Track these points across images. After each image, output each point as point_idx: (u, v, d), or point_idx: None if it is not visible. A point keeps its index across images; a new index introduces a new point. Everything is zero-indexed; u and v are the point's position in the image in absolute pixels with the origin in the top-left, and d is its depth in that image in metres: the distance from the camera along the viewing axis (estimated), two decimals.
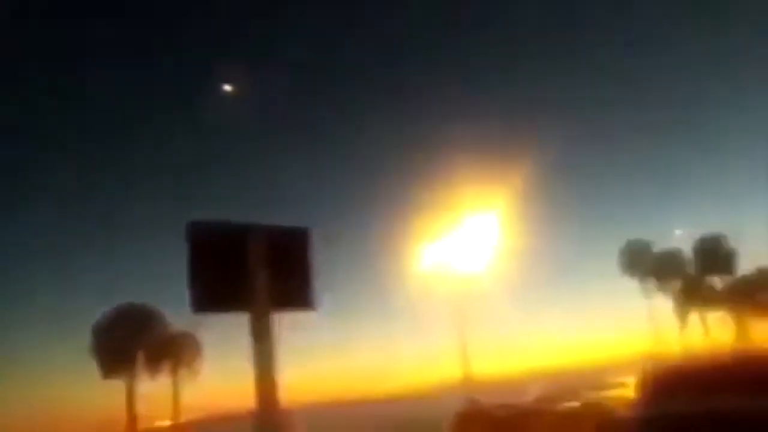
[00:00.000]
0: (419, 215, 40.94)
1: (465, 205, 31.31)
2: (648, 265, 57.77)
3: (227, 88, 43.00)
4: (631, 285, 59.32)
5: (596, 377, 31.95)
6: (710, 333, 57.73)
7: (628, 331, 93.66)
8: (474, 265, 31.97)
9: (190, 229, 3.13)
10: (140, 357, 47.10)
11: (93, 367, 45.85)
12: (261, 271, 3.00)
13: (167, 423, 48.47)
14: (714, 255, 56.55)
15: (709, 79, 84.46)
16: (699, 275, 57.57)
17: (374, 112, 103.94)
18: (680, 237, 58.26)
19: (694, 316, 58.26)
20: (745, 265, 57.28)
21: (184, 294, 3.12)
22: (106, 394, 51.22)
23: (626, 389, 23.23)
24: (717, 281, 57.80)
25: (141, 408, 46.27)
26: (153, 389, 48.02)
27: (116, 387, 46.05)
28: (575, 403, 24.98)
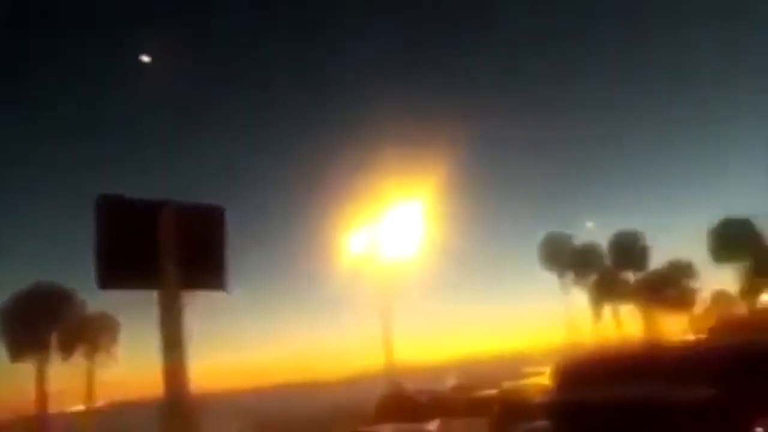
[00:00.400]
0: (347, 202, 40.94)
1: (391, 194, 31.53)
2: (566, 258, 59.75)
3: (145, 58, 41.39)
4: (549, 277, 61.38)
5: (514, 366, 33.06)
6: (622, 326, 60.45)
7: (546, 322, 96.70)
8: (399, 254, 32.30)
9: (100, 202, 2.97)
10: (54, 339, 45.24)
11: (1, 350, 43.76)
12: (171, 249, 2.90)
13: (80, 407, 46.86)
14: (628, 250, 59.02)
15: (627, 73, 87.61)
16: (614, 269, 60.01)
17: (306, 96, 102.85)
18: (591, 229, 60.28)
19: (608, 309, 60.86)
20: (658, 260, 60.25)
21: None
22: (16, 378, 48.91)
23: (542, 378, 24.24)
24: (630, 276, 60.41)
25: (53, 392, 44.55)
26: (68, 373, 46.27)
27: (29, 371, 44.16)
28: (492, 391, 25.83)
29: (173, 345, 2.82)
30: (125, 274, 2.92)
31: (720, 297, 61.83)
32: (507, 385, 27.72)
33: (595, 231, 59.98)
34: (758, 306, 54.97)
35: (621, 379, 11.09)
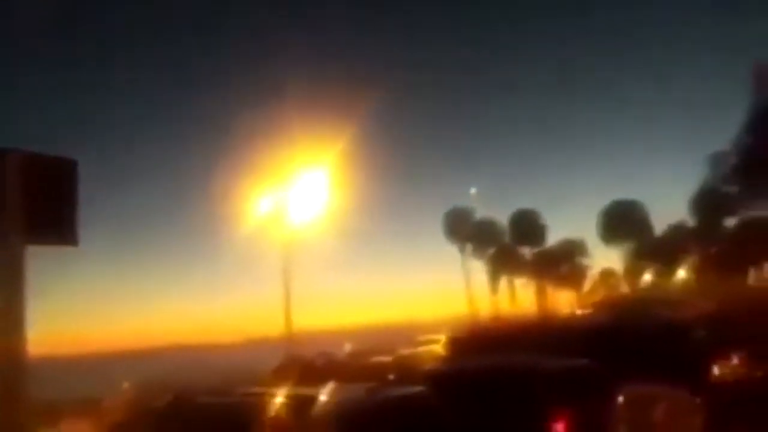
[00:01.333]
0: (253, 167, 40.23)
1: (298, 160, 31.23)
2: (467, 231, 61.40)
3: None
4: (450, 249, 62.94)
5: (412, 334, 33.84)
6: (517, 298, 63.16)
7: (445, 293, 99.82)
8: (303, 221, 32.12)
9: None
10: None
11: None
12: (15, 199, 2.74)
13: None
14: (527, 227, 61.37)
15: (534, 52, 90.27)
16: (511, 244, 62.31)
17: (214, 57, 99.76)
18: (475, 196, 61.85)
19: (504, 282, 63.29)
20: (554, 238, 63.10)
21: None
22: None
23: (437, 346, 25.03)
24: (527, 251, 62.94)
25: None
26: None
27: None
28: (387, 357, 26.42)
29: (13, 304, 2.69)
30: None
31: (607, 276, 65.75)
32: (402, 352, 28.39)
33: (478, 197, 61.42)
34: (640, 285, 58.81)
35: (505, 349, 11.65)
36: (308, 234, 35.84)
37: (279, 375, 25.12)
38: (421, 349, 28.15)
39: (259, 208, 31.97)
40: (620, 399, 8.13)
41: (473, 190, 61.43)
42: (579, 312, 44.39)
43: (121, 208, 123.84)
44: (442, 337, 25.62)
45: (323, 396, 5.93)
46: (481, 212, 62.15)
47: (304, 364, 26.64)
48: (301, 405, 5.63)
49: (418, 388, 6.33)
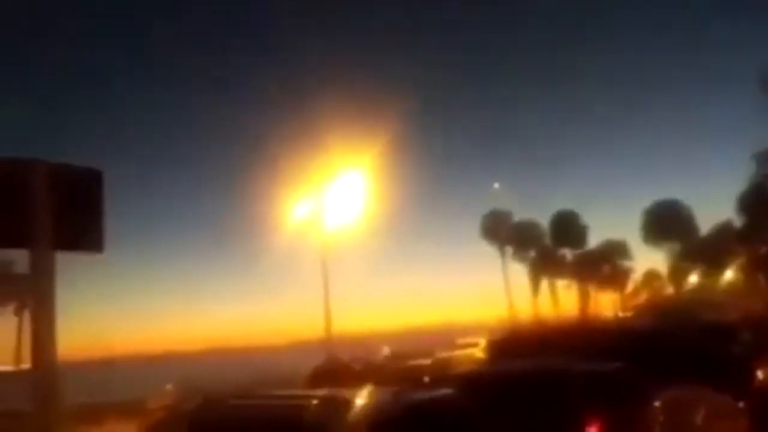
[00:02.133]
0: (291, 171, 40.66)
1: (335, 163, 31.50)
2: (507, 233, 60.94)
3: None
4: (490, 251, 62.50)
5: (451, 337, 33.72)
6: (558, 300, 62.40)
7: (485, 295, 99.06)
8: (340, 223, 32.38)
9: None
10: None
11: None
12: (43, 208, 2.86)
13: (8, 367, 45.61)
14: (567, 228, 60.59)
15: (570, 54, 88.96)
16: (553, 246, 61.60)
17: (251, 63, 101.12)
18: (497, 191, 61.39)
19: (545, 284, 62.58)
20: (595, 239, 62.13)
21: None
22: None
23: (477, 350, 24.86)
24: (568, 253, 62.14)
25: None
26: None
27: None
28: (426, 360, 26.34)
29: (44, 311, 2.80)
30: None
31: (650, 277, 64.48)
32: (441, 354, 28.29)
33: (500, 192, 61.14)
34: (685, 287, 57.51)
35: (545, 352, 11.52)
36: (347, 237, 36.17)
37: (316, 378, 25.30)
38: (460, 352, 28.02)
39: (297, 212, 32.39)
40: (657, 403, 7.98)
41: (496, 185, 61.11)
42: (621, 314, 43.66)
43: (160, 214, 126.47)
44: (482, 340, 25.43)
45: (359, 399, 5.95)
46: (518, 213, 61.77)
47: (342, 367, 26.78)
48: (336, 408, 5.65)
49: (447, 391, 6.31)
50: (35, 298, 2.87)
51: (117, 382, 35.90)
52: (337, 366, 27.41)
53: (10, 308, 45.39)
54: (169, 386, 20.70)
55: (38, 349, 2.85)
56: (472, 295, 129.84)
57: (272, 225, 36.92)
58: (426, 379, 17.54)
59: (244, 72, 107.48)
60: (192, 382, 22.27)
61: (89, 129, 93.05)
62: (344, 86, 61.68)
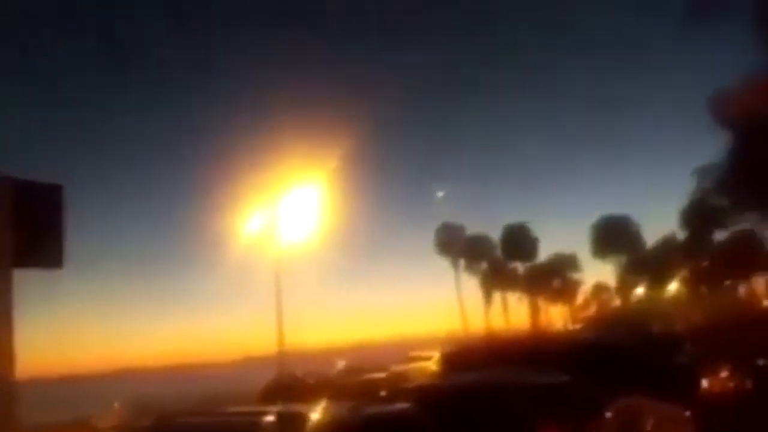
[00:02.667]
0: (243, 185, 40.29)
1: (288, 178, 31.35)
2: (460, 246, 61.42)
3: None
4: (443, 264, 62.85)
5: (405, 351, 33.78)
6: (509, 313, 63.12)
7: (438, 309, 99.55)
8: (295, 238, 32.17)
9: None
10: None
11: None
12: (2, 225, 2.82)
13: None
14: (518, 241, 61.46)
15: (524, 72, 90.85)
16: (504, 259, 62.35)
17: (207, 73, 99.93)
18: (442, 199, 62.42)
19: (497, 297, 63.23)
20: (546, 252, 63.20)
21: None
22: None
23: (430, 363, 24.97)
24: (519, 266, 63.00)
25: None
26: None
27: None
28: (381, 374, 26.32)
29: (1, 327, 2.75)
30: None
31: (599, 289, 66.01)
32: (396, 368, 28.29)
33: (446, 200, 62.19)
34: (632, 299, 59.03)
35: (497, 365, 11.67)
36: (301, 251, 35.95)
37: (270, 393, 24.97)
38: (414, 365, 28.09)
39: (251, 227, 32.10)
40: (608, 413, 8.17)
41: (440, 194, 61.97)
42: (571, 326, 44.53)
43: (110, 229, 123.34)
44: (436, 354, 25.55)
45: (315, 414, 5.92)
46: (470, 226, 62.38)
47: (296, 381, 26.52)
48: (292, 423, 5.62)
49: (403, 405, 6.35)
50: None
51: (71, 400, 34.74)
52: (291, 380, 27.12)
53: None
54: (116, 404, 20.18)
55: None
56: (425, 309, 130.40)
57: (227, 240, 36.47)
58: (382, 393, 17.54)
59: (201, 86, 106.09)
60: (142, 399, 21.76)
61: (47, 142, 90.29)
62: (300, 100, 61.55)
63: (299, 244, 33.01)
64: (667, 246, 54.87)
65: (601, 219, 59.17)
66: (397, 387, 17.55)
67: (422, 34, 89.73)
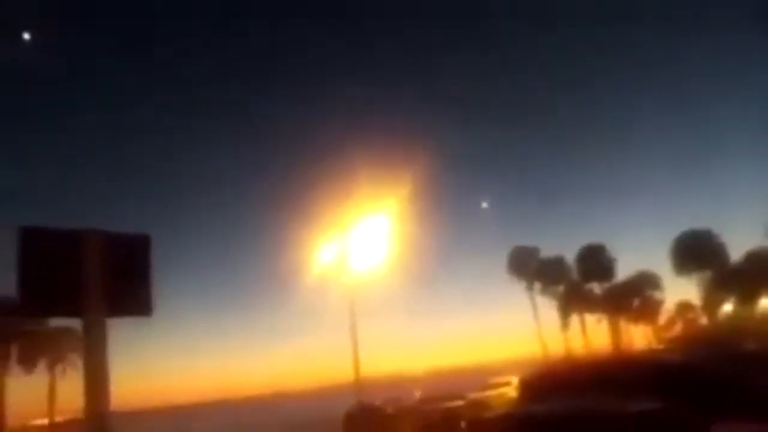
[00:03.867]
0: (316, 215, 41.10)
1: (361, 207, 31.76)
2: (533, 270, 60.39)
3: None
4: (518, 288, 61.88)
5: (482, 378, 33.27)
6: (589, 336, 61.25)
7: (514, 333, 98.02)
8: (367, 266, 32.44)
9: (21, 234, 3.05)
10: (14, 351, 44.24)
11: None
12: (95, 276, 3.00)
13: (43, 421, 45.79)
14: (595, 262, 59.88)
15: (593, 87, 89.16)
16: (580, 281, 60.80)
17: (275, 106, 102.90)
18: (486, 210, 62.48)
19: (575, 320, 61.57)
20: (624, 271, 61.23)
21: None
22: None
23: (509, 389, 24.46)
24: (596, 287, 61.25)
25: (13, 405, 43.51)
26: (29, 386, 45.27)
27: None
28: (459, 402, 25.96)
29: (96, 369, 2.92)
30: (48, 302, 3.02)
31: (683, 308, 63.13)
32: (473, 396, 27.86)
33: (489, 211, 62.71)
34: (719, 317, 56.17)
35: (580, 391, 11.30)
36: (374, 280, 36.18)
37: (350, 423, 25.01)
38: (492, 392, 27.60)
39: (324, 257, 32.60)
40: None
41: (484, 204, 62.09)
42: (656, 347, 42.70)
43: (196, 272, 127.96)
44: (514, 379, 25.10)
45: None
46: (545, 248, 61.38)
47: (375, 411, 26.49)
48: None
49: None
50: (86, 361, 3.00)
51: (175, 427, 36.15)
52: (369, 409, 27.14)
53: (43, 364, 46.07)
54: None
55: (91, 401, 2.96)
56: (502, 334, 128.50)
57: (301, 272, 37.16)
58: (463, 423, 17.30)
59: (271, 120, 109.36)
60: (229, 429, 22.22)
61: (130, 193, 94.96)
62: (370, 130, 62.63)
63: (372, 273, 33.29)
64: (755, 259, 52.20)
65: (682, 234, 57.06)
66: (478, 416, 17.29)
67: (481, 56, 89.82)
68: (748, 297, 53.96)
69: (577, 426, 7.43)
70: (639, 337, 62.83)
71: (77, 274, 2.98)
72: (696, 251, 55.40)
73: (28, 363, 44.85)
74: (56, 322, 43.52)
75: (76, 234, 3.08)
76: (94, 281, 2.99)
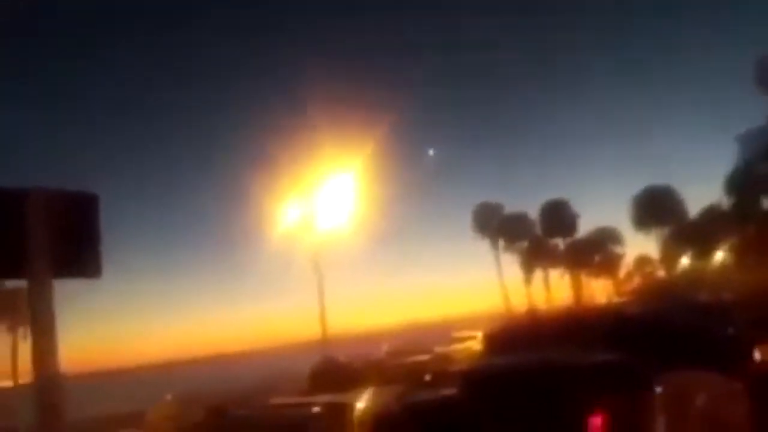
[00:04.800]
0: (280, 174, 40.67)
1: (325, 165, 31.54)
2: (497, 226, 61.10)
3: None
4: (482, 244, 62.67)
5: (448, 331, 33.83)
6: (552, 290, 62.60)
7: (479, 289, 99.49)
8: (332, 225, 32.41)
9: None
10: None
11: None
12: (40, 237, 2.88)
13: (7, 383, 45.32)
14: (558, 218, 60.78)
15: (557, 47, 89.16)
16: (544, 236, 61.77)
17: (244, 66, 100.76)
18: (432, 157, 62.68)
19: (538, 275, 62.76)
20: (586, 227, 62.34)
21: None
22: None
23: (474, 343, 24.93)
24: (559, 242, 62.34)
25: None
26: None
27: None
28: (425, 356, 26.39)
29: (43, 331, 2.84)
30: None
31: (642, 263, 64.73)
32: (439, 350, 28.35)
33: (436, 158, 62.63)
34: (677, 270, 57.82)
35: (541, 343, 11.54)
36: (340, 238, 36.22)
37: (316, 379, 25.23)
38: (458, 346, 28.12)
39: (289, 216, 32.44)
40: (659, 389, 8.02)
41: (431, 152, 62.27)
42: (616, 301, 43.87)
43: (156, 224, 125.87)
44: (478, 334, 25.52)
45: (361, 403, 5.94)
46: (508, 204, 61.95)
47: (342, 366, 26.75)
48: (337, 413, 5.65)
49: (450, 391, 6.34)
50: (32, 323, 2.91)
51: (119, 394, 35.80)
52: (336, 365, 27.39)
53: (4, 326, 45.35)
54: (168, 396, 20.58)
55: (40, 364, 2.90)
56: (467, 290, 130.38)
57: (266, 230, 36.93)
58: (427, 376, 17.57)
59: (234, 77, 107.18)
60: (192, 391, 22.17)
61: (78, 150, 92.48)
62: (333, 87, 61.70)
63: (337, 231, 33.31)
64: (712, 215, 53.50)
65: (642, 190, 58.08)
66: (442, 370, 17.59)
67: (454, 17, 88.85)
68: (704, 251, 55.49)
69: (538, 378, 7.60)
70: (600, 291, 64.43)
71: (22, 234, 2.85)
72: (655, 207, 56.53)
73: None
74: (14, 283, 42.61)
75: (21, 192, 2.94)
76: (39, 241, 2.86)
